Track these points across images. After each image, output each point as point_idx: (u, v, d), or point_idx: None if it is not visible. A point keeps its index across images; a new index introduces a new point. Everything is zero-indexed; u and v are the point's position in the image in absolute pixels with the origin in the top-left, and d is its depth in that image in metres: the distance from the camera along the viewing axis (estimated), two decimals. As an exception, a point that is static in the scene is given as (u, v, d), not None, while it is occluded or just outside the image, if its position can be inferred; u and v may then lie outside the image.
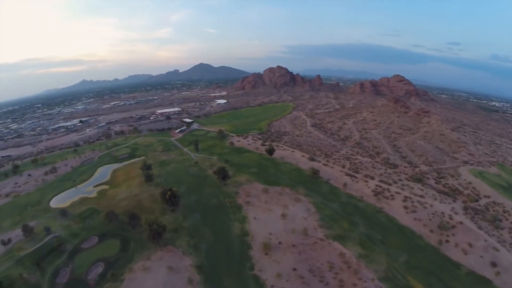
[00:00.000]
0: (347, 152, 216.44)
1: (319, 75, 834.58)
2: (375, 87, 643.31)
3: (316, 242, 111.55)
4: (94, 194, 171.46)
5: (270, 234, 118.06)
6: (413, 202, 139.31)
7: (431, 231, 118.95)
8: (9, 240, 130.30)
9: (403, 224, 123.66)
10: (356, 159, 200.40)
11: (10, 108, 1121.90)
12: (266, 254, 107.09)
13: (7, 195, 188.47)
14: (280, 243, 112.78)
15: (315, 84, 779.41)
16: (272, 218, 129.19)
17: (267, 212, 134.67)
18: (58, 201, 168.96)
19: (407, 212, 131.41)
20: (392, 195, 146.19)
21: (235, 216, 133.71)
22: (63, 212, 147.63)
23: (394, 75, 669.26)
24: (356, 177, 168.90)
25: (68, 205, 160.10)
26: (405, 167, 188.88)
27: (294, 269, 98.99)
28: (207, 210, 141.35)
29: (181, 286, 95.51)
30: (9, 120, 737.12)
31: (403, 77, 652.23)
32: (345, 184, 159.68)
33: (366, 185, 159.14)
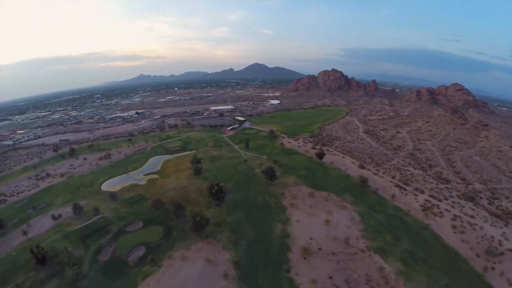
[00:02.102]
0: (398, 162, 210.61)
1: (375, 80, 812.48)
2: (432, 96, 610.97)
3: (356, 253, 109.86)
4: (143, 182, 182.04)
5: (311, 239, 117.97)
6: (462, 222, 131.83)
7: (478, 255, 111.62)
8: (59, 216, 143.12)
9: (448, 245, 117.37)
10: (407, 170, 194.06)
11: (71, 97, 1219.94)
12: (305, 258, 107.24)
13: (62, 175, 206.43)
14: (320, 249, 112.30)
15: (370, 89, 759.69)
16: (315, 223, 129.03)
17: (310, 216, 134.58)
18: (109, 185, 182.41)
19: (454, 232, 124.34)
20: (441, 212, 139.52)
21: (278, 217, 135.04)
22: (112, 196, 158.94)
23: (452, 84, 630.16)
24: (405, 190, 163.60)
25: (118, 189, 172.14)
26: (457, 183, 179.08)
27: (330, 278, 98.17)
28: (252, 208, 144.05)
29: (216, 278, 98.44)
30: (69, 107, 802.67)
31: (462, 86, 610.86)
32: (393, 196, 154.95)
33: (415, 198, 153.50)
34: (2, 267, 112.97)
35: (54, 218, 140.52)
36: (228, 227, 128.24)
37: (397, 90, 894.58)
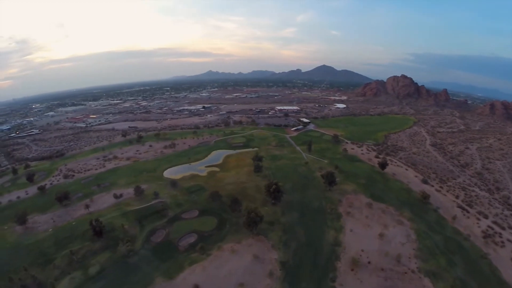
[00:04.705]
0: (464, 181, 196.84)
1: (446, 89, 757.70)
2: (507, 110, 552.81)
3: (406, 272, 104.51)
4: (204, 173, 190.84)
5: (362, 251, 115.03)
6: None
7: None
8: (121, 195, 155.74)
9: (504, 279, 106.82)
10: (473, 191, 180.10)
11: (142, 88, 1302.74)
12: (352, 270, 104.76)
13: (128, 159, 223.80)
14: (369, 262, 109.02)
15: (441, 99, 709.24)
16: (368, 235, 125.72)
17: (365, 227, 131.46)
18: (170, 173, 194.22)
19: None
20: (502, 242, 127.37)
21: (333, 223, 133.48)
22: (173, 183, 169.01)
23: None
24: (468, 212, 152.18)
25: (179, 178, 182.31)
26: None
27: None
28: (307, 211, 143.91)
29: (260, 276, 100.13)
30: (140, 97, 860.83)
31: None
32: (454, 217, 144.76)
33: (477, 223, 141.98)
34: (62, 234, 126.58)
35: (115, 197, 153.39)
36: (280, 227, 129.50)
37: (469, 102, 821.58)
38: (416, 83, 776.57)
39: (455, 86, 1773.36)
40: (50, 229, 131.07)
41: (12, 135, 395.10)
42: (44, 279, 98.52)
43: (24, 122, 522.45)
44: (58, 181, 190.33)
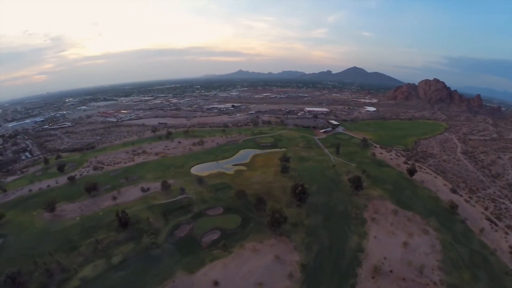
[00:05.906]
0: (494, 192, 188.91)
1: (479, 95, 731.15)
2: None
3: (427, 284, 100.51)
4: (231, 172, 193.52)
5: (385, 258, 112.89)
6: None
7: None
8: (148, 189, 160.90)
9: None
10: (503, 203, 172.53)
11: (172, 86, 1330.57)
12: (373, 277, 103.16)
13: (156, 154, 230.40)
14: (391, 271, 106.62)
15: (474, 104, 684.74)
16: (392, 243, 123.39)
17: (389, 235, 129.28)
18: (198, 170, 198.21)
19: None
20: None
21: (357, 229, 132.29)
22: (200, 180, 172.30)
23: None
24: (496, 225, 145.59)
25: (206, 175, 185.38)
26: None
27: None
28: (331, 214, 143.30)
29: (280, 276, 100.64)
30: (170, 95, 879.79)
31: None
32: (482, 230, 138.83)
33: (505, 237, 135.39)
34: (88, 223, 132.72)
35: (143, 190, 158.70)
36: (304, 229, 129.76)
37: (503, 109, 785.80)
38: (449, 88, 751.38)
39: (489, 92, 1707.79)
40: (77, 218, 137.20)
41: (45, 126, 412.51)
42: (68, 265, 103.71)
43: (57, 115, 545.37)
44: (87, 172, 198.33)
